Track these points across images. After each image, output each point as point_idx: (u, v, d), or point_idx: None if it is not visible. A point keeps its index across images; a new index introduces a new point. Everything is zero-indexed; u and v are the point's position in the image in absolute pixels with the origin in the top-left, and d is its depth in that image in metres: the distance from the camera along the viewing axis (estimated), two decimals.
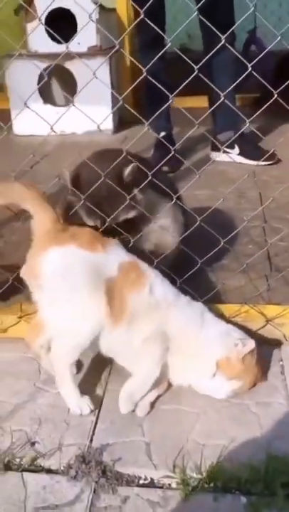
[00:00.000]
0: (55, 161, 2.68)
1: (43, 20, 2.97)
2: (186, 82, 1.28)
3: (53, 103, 3.65)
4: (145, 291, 1.33)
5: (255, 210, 1.95)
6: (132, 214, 1.47)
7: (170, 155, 1.54)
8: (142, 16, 1.28)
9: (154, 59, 1.36)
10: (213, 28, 1.28)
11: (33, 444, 1.23)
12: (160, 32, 1.38)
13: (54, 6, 3.13)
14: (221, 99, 1.33)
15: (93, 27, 3.35)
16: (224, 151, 2.81)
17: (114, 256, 1.34)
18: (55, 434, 1.26)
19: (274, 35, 1.36)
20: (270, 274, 1.82)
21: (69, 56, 3.16)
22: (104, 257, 1.33)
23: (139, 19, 1.29)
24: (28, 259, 1.35)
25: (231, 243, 1.55)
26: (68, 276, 1.29)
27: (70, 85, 3.37)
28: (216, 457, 1.17)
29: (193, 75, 1.27)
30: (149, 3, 1.25)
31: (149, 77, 1.33)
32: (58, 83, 3.71)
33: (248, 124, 1.37)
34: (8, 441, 1.23)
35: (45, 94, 3.54)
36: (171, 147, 1.49)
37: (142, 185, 1.45)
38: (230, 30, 1.28)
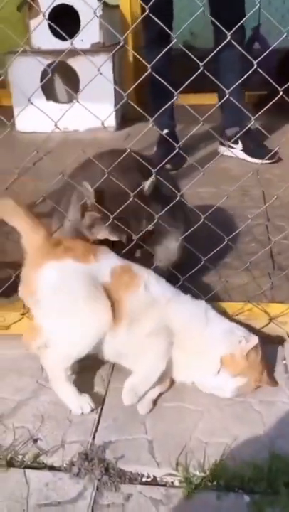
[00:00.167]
0: (58, 157, 2.68)
1: (47, 16, 2.96)
2: (191, 78, 1.27)
3: (56, 100, 3.64)
4: (140, 291, 1.34)
5: (258, 209, 1.94)
6: (152, 227, 1.47)
7: (174, 152, 1.54)
8: (147, 12, 1.28)
9: (160, 55, 1.35)
10: (220, 26, 1.28)
11: (35, 441, 1.23)
12: (166, 29, 1.38)
13: (57, 2, 3.13)
14: (227, 96, 1.32)
15: (96, 24, 3.34)
16: (229, 146, 2.82)
17: (106, 262, 1.36)
18: (58, 431, 1.25)
19: (278, 33, 1.35)
20: (274, 272, 1.81)
21: (72, 53, 3.17)
22: (97, 266, 1.34)
23: (144, 14, 1.28)
24: (23, 277, 1.36)
25: (234, 241, 1.55)
26: (67, 289, 1.30)
27: (72, 82, 3.36)
28: (219, 455, 1.17)
29: (198, 71, 1.27)
30: None
31: (153, 73, 1.32)
32: (60, 80, 3.71)
33: (253, 122, 1.36)
34: (11, 438, 1.23)
35: (48, 91, 3.53)
36: (175, 144, 1.49)
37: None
38: (237, 26, 1.27)
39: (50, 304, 1.30)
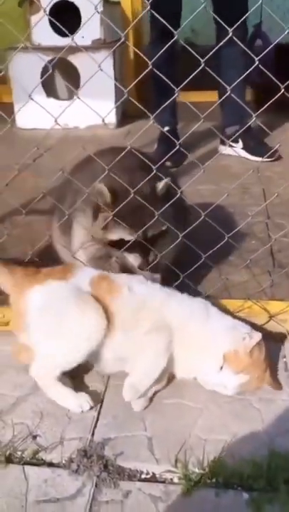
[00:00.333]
0: (58, 154, 2.67)
1: (48, 11, 2.95)
2: (192, 74, 1.27)
3: (56, 97, 3.64)
4: (124, 294, 1.35)
5: (258, 206, 1.94)
6: (164, 227, 1.48)
7: (174, 149, 1.53)
8: (148, 8, 1.28)
9: (161, 51, 1.34)
10: (222, 23, 1.27)
11: (34, 437, 1.23)
12: (168, 26, 1.37)
13: None
14: (228, 93, 1.31)
15: (97, 20, 3.33)
16: (229, 145, 2.81)
17: (84, 274, 1.39)
18: (57, 427, 1.25)
19: (280, 30, 1.35)
20: (274, 269, 1.81)
21: (72, 49, 3.16)
22: (76, 279, 1.37)
23: (145, 10, 1.27)
24: (13, 311, 1.40)
25: (235, 239, 1.55)
26: (54, 305, 1.33)
27: (73, 79, 3.35)
28: (218, 452, 1.17)
29: (200, 68, 1.26)
30: None
31: (155, 69, 1.31)
32: (61, 77, 3.70)
33: (254, 119, 1.36)
34: (10, 434, 1.23)
35: (48, 88, 3.53)
36: (176, 141, 1.48)
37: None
38: (239, 23, 1.26)
39: (40, 322, 1.32)
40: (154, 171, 1.43)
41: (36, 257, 1.59)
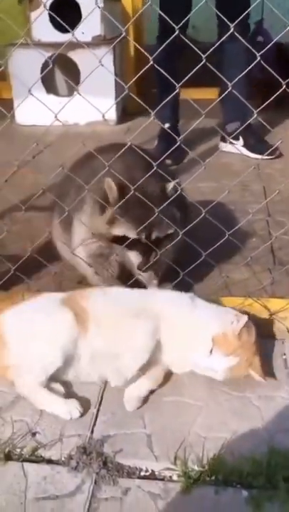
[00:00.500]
0: (57, 151, 2.67)
1: (48, 7, 2.94)
2: (193, 70, 1.26)
3: (56, 93, 3.63)
4: (99, 295, 1.39)
5: (259, 204, 1.94)
6: (171, 231, 1.48)
7: (175, 146, 1.52)
8: (147, 4, 1.27)
9: (161, 47, 1.33)
10: (225, 19, 1.26)
11: (34, 434, 1.23)
12: (169, 21, 1.36)
13: None
14: (229, 89, 1.31)
15: (97, 16, 3.32)
16: (230, 142, 2.80)
17: (54, 296, 1.43)
18: (56, 424, 1.25)
19: (281, 27, 1.34)
20: (274, 267, 1.81)
21: (73, 46, 3.14)
22: (47, 299, 1.43)
23: (145, 6, 1.26)
24: None
25: (235, 236, 1.54)
26: (26, 319, 1.36)
27: (73, 75, 3.34)
28: (217, 450, 1.17)
29: (201, 64, 1.26)
30: None
31: (156, 65, 1.31)
32: (61, 73, 3.69)
33: (255, 115, 1.35)
34: (9, 432, 1.23)
35: (48, 84, 3.51)
36: (176, 137, 1.48)
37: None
38: (241, 18, 1.25)
39: (16, 337, 1.34)
40: (155, 168, 1.42)
41: (36, 254, 1.59)
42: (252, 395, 1.32)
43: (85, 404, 1.30)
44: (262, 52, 1.25)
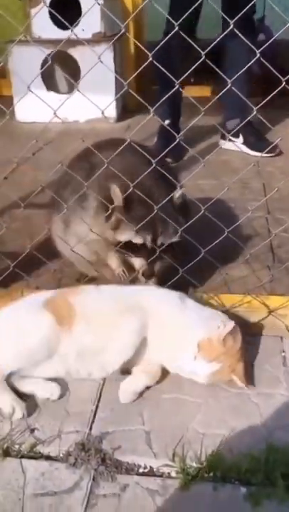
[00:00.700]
0: (57, 148, 2.67)
1: (48, 3, 2.93)
2: (193, 67, 1.26)
3: (56, 90, 3.62)
4: (91, 291, 1.39)
5: (258, 201, 1.94)
6: (176, 239, 1.48)
7: (174, 143, 1.52)
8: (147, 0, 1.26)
9: (161, 44, 1.33)
10: (227, 17, 1.26)
11: (32, 430, 1.23)
12: (169, 18, 1.35)
13: None
14: (228, 86, 1.30)
15: (98, 13, 3.31)
16: (229, 139, 2.80)
17: (38, 298, 1.40)
18: (55, 421, 1.25)
19: (280, 24, 1.34)
20: (273, 265, 1.81)
21: (73, 43, 3.14)
22: (30, 301, 1.40)
23: (145, 2, 1.26)
24: None
25: (234, 233, 1.54)
26: (5, 318, 1.37)
27: (73, 73, 3.33)
28: (216, 447, 1.17)
29: (200, 61, 1.25)
30: None
31: (159, 62, 1.30)
32: (61, 70, 3.68)
33: (255, 112, 1.35)
34: (8, 428, 1.23)
35: (49, 82, 3.51)
36: (176, 134, 1.47)
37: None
38: (245, 17, 1.25)
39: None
40: (154, 165, 1.42)
41: (35, 251, 1.59)
42: (251, 392, 1.32)
43: (83, 401, 1.30)
44: (261, 49, 1.24)
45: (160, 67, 1.35)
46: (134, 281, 1.51)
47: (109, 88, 3.27)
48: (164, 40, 1.32)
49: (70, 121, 3.34)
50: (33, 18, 3.28)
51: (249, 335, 1.45)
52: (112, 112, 3.42)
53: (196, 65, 1.27)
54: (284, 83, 1.26)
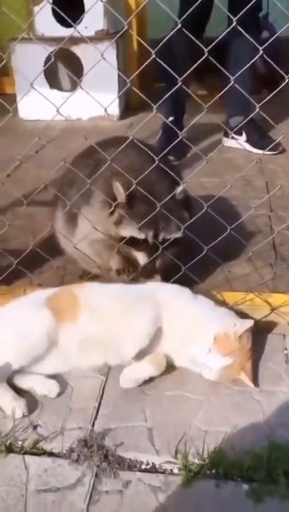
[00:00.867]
0: (60, 145, 2.67)
1: (51, 0, 2.92)
2: (196, 64, 1.26)
3: (60, 88, 3.62)
4: (94, 286, 1.42)
5: (261, 199, 1.93)
6: (179, 234, 1.48)
7: (177, 140, 1.52)
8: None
9: (163, 41, 1.33)
10: (232, 16, 1.26)
11: (35, 427, 1.23)
12: (172, 14, 1.35)
13: None
14: (231, 83, 1.30)
15: (100, 11, 3.31)
16: (232, 137, 2.79)
17: (40, 296, 1.41)
18: (58, 418, 1.26)
19: (283, 21, 1.34)
20: (276, 262, 1.81)
21: (76, 40, 3.14)
22: (31, 299, 1.41)
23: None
24: None
25: (237, 231, 1.54)
26: (5, 314, 1.39)
27: (76, 70, 3.33)
28: (218, 444, 1.17)
29: (203, 58, 1.25)
30: None
31: (157, 59, 1.30)
32: (64, 68, 3.68)
33: (258, 109, 1.34)
34: (11, 424, 1.23)
35: (52, 79, 3.51)
36: (179, 131, 1.47)
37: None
38: (242, 13, 1.25)
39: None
40: (157, 162, 1.42)
41: (38, 248, 1.59)
42: (253, 389, 1.32)
43: (85, 397, 1.31)
44: (264, 46, 1.24)
45: (163, 64, 1.35)
46: (136, 281, 1.52)
47: (112, 86, 3.27)
48: (168, 36, 1.31)
49: (73, 119, 3.35)
50: (36, 16, 3.28)
51: (251, 333, 1.45)
52: (114, 109, 3.42)
53: (198, 62, 1.26)
54: (287, 80, 1.25)
